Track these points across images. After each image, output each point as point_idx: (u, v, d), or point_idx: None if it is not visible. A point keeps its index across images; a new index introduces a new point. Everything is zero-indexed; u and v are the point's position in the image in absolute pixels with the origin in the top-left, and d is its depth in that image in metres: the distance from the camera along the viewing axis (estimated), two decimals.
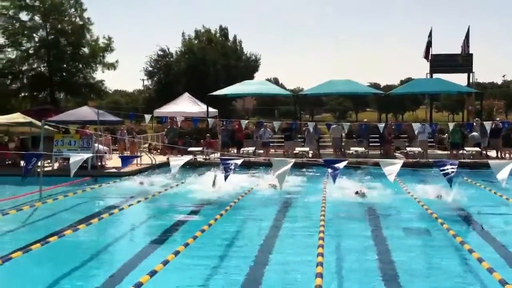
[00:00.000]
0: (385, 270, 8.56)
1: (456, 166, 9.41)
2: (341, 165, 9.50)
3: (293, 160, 9.56)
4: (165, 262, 8.07)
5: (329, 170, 9.65)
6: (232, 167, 10.01)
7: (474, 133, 25.44)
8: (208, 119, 27.38)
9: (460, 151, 24.65)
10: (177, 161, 11.06)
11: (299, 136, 28.31)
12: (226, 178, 10.54)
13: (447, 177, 9.34)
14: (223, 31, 63.10)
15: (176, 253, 8.67)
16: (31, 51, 45.47)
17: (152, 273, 7.64)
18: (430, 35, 36.89)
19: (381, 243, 10.34)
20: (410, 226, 12.06)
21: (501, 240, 10.44)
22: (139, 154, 26.03)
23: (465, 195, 15.22)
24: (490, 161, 9.21)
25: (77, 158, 9.91)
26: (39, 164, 15.98)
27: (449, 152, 25.24)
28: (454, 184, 12.66)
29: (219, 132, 27.15)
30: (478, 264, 8.08)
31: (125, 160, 10.87)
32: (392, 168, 9.47)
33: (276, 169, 9.70)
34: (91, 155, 13.62)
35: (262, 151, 26.12)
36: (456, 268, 8.69)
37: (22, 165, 21.33)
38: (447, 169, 9.39)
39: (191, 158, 21.38)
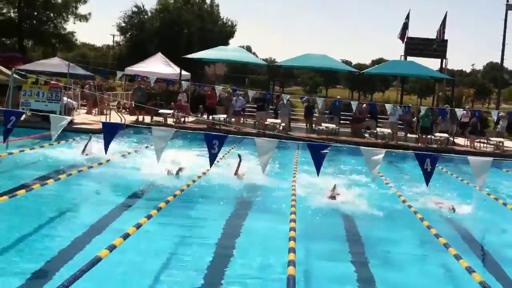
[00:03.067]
0: None
1: (436, 161, 8.41)
2: (326, 150, 8.71)
3: (276, 141, 8.92)
4: (125, 236, 7.53)
5: (313, 159, 8.53)
6: (217, 148, 8.59)
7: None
8: (182, 82, 26.91)
9: (429, 136, 24.90)
10: (59, 121, 9.60)
11: (270, 107, 28.14)
12: (212, 162, 9.23)
13: (425, 174, 8.31)
14: None
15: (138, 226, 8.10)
16: None
17: (125, 236, 7.47)
18: (407, 17, 36.90)
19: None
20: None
21: None
22: (107, 111, 25.56)
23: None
24: (470, 158, 8.58)
25: (60, 121, 9.28)
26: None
27: (417, 136, 25.45)
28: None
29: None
30: None
31: (110, 129, 9.46)
32: (375, 159, 8.36)
33: (261, 153, 8.76)
34: (73, 117, 13.16)
35: (233, 120, 25.86)
36: None
37: None
38: (426, 164, 8.26)
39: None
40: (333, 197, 11.97)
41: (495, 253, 9.52)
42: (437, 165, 14.48)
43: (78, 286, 5.48)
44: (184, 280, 7.12)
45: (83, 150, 15.33)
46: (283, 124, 25.48)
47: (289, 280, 6.24)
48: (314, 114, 27.07)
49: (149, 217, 8.58)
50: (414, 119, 26.89)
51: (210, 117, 25.36)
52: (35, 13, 44.42)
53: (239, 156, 14.19)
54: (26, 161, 14.20)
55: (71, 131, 19.14)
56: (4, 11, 44.46)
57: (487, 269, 8.55)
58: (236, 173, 13.62)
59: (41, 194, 10.54)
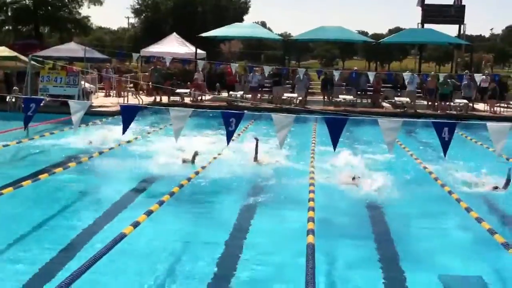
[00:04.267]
0: None
1: (454, 130, 8.07)
2: (343, 125, 8.39)
3: (293, 116, 8.71)
4: (149, 213, 7.79)
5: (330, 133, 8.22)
6: (234, 125, 8.28)
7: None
8: (198, 61, 26.91)
9: (448, 103, 24.67)
10: (78, 106, 9.23)
11: (287, 82, 28.04)
12: (229, 140, 8.80)
13: (443, 143, 7.97)
14: None
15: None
16: None
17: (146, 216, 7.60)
18: None
19: None
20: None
21: None
22: (125, 94, 25.72)
23: None
24: (488, 124, 8.31)
25: (79, 106, 9.31)
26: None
27: (437, 104, 25.20)
28: None
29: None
30: None
31: (128, 111, 9.24)
32: (392, 130, 8.07)
33: (278, 128, 8.41)
34: (90, 103, 13.12)
35: (250, 96, 25.87)
36: None
37: (7, 100, 21.00)
38: (444, 133, 7.95)
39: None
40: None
41: None
42: (460, 132, 14.17)
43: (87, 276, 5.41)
44: (200, 266, 6.95)
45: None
46: (300, 98, 25.44)
47: (308, 248, 6.32)
48: (332, 86, 26.87)
49: (160, 203, 8.47)
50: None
51: (230, 93, 25.63)
52: None
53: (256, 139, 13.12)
54: (46, 146, 14.33)
55: (90, 114, 19.25)
56: None
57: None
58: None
59: (60, 179, 10.72)
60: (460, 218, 8.82)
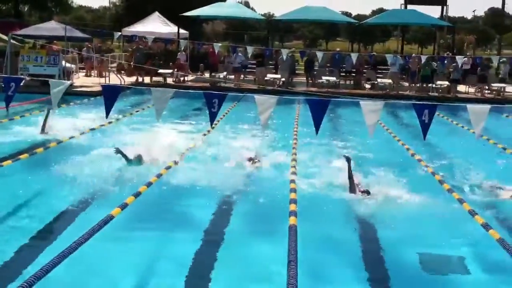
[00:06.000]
0: None
1: (434, 112, 7.91)
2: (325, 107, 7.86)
3: (276, 97, 8.53)
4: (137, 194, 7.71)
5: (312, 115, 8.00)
6: (217, 107, 8.03)
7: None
8: (180, 41, 26.67)
9: (430, 84, 24.83)
10: (58, 86, 8.89)
11: (270, 62, 27.94)
12: (212, 122, 8.56)
13: (423, 125, 7.88)
14: None
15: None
16: None
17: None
18: None
19: None
20: None
21: None
22: (106, 74, 25.43)
23: None
24: (468, 106, 8.30)
25: (59, 86, 9.13)
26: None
27: (418, 85, 25.33)
28: None
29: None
30: None
31: (110, 92, 8.90)
32: (374, 112, 7.87)
33: (261, 109, 8.14)
34: (71, 82, 12.85)
35: (233, 77, 25.73)
36: None
37: None
38: (424, 115, 7.81)
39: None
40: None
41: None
42: (440, 114, 14.03)
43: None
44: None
45: (42, 129, 13.14)
46: (283, 79, 25.40)
47: (290, 229, 6.33)
48: (314, 68, 26.83)
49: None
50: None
51: (212, 75, 25.48)
52: None
53: None
54: (25, 127, 13.95)
55: (71, 95, 19.05)
56: None
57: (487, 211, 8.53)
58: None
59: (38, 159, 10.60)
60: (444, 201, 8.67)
